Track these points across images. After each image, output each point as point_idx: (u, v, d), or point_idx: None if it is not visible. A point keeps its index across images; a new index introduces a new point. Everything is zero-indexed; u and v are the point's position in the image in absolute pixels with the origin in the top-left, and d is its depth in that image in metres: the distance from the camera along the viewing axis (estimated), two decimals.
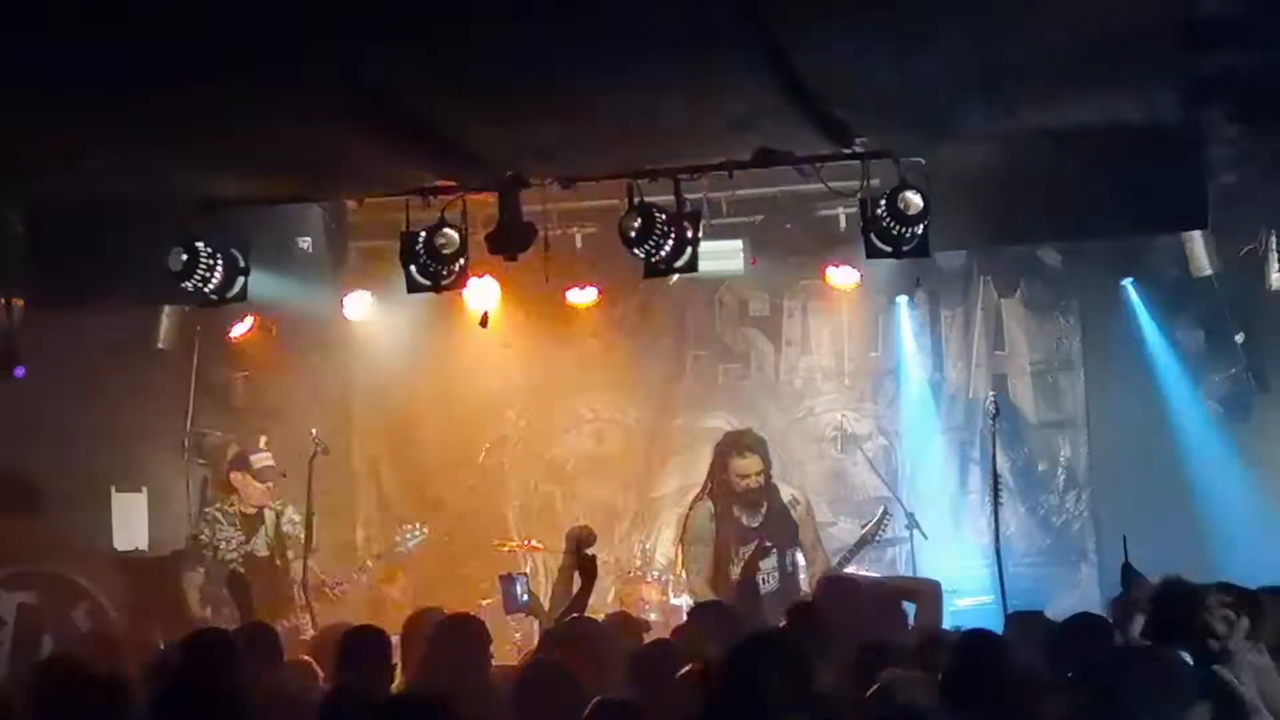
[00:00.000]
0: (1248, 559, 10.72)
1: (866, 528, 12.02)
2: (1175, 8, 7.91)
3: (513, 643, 11.81)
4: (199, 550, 11.89)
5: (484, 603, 11.96)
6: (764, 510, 11.43)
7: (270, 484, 12.03)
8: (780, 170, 10.74)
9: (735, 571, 11.39)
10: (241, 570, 11.39)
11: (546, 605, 9.91)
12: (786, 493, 11.59)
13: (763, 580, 11.38)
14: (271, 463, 11.99)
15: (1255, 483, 12.47)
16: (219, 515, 12.05)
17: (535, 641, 9.66)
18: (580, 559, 9.18)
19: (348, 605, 11.94)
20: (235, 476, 12.13)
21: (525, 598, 10.22)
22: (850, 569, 11.64)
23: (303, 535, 11.85)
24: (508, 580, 10.31)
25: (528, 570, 12.70)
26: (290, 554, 11.87)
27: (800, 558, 11.47)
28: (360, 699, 6.62)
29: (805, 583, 11.36)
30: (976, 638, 6.89)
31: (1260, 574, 8.15)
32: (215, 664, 7.37)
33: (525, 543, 13.51)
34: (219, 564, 11.75)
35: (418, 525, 12.90)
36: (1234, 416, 12.89)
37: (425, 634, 8.20)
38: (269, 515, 12.03)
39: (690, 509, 11.71)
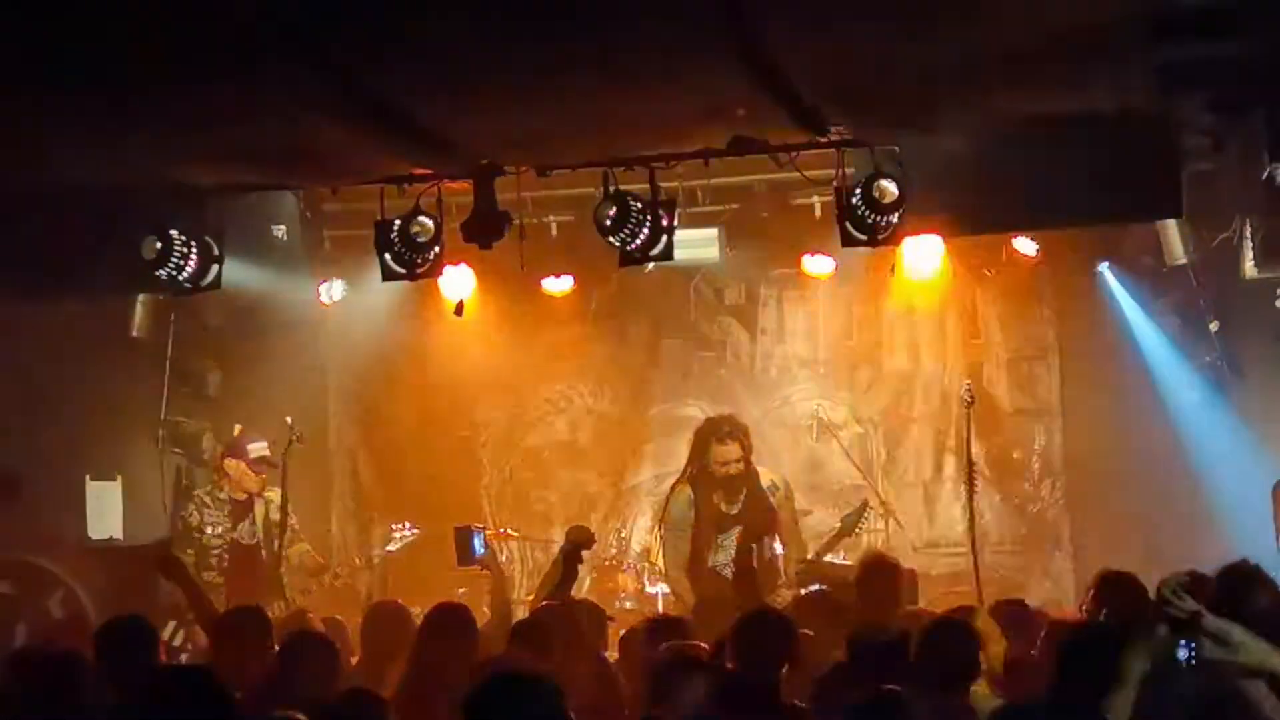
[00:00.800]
0: (1222, 546, 10.74)
1: (847, 519, 12.01)
2: None
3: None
4: (189, 533, 11.82)
5: (460, 590, 11.95)
6: (742, 497, 11.40)
7: (263, 475, 11.94)
8: (756, 159, 10.75)
9: (711, 558, 11.37)
10: (232, 554, 11.44)
11: (531, 595, 9.87)
12: (766, 478, 11.50)
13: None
14: (267, 453, 11.86)
15: (1230, 470, 12.49)
16: (207, 499, 11.96)
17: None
18: (570, 556, 9.20)
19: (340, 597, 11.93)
20: (230, 463, 12.02)
21: (482, 550, 10.07)
22: (827, 558, 11.65)
23: (289, 524, 11.83)
24: (464, 532, 10.15)
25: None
26: (277, 544, 11.81)
27: (777, 545, 11.45)
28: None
29: (782, 569, 11.35)
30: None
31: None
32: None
33: (501, 530, 13.53)
34: (203, 549, 11.71)
35: (407, 525, 12.77)
36: (1209, 404, 12.91)
37: (392, 624, 8.21)
38: (259, 504, 11.95)
39: (670, 494, 11.68)
